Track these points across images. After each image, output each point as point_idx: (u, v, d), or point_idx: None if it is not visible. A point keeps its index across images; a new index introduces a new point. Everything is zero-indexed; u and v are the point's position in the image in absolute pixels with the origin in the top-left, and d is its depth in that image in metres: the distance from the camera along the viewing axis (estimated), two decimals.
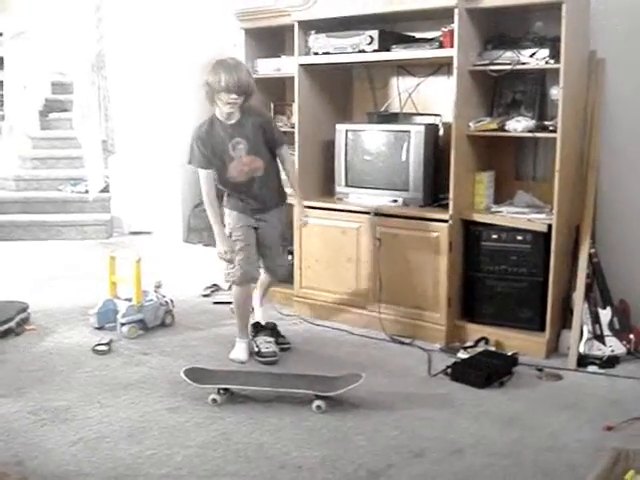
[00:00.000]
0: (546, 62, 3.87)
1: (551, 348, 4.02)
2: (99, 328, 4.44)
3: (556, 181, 3.86)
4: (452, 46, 4.00)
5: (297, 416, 3.28)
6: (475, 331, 4.18)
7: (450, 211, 4.13)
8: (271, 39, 5.10)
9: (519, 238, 4.04)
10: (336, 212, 4.55)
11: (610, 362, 3.85)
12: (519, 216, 4.06)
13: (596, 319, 3.93)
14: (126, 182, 7.28)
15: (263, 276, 4.28)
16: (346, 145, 4.59)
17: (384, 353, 4.13)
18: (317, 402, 3.33)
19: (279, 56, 4.98)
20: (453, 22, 3.96)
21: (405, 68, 4.71)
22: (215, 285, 5.38)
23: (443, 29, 4.07)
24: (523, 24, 4.14)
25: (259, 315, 4.38)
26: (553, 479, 2.79)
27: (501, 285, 4.13)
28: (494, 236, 4.12)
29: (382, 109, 4.83)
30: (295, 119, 4.71)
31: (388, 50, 4.30)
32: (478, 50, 4.11)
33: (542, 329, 4.01)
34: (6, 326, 4.30)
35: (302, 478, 2.79)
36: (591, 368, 3.83)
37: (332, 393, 3.35)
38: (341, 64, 4.58)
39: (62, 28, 8.29)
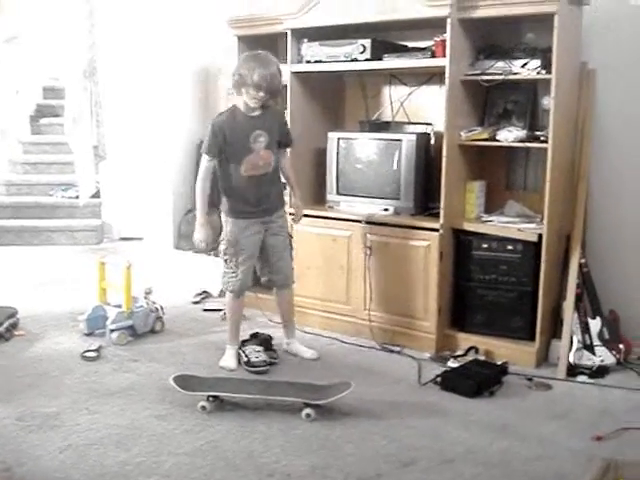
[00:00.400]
0: (537, 72, 3.89)
1: (541, 358, 4.03)
2: (88, 334, 4.42)
3: (547, 191, 3.87)
4: (444, 56, 4.01)
5: (286, 424, 3.27)
6: (465, 340, 4.18)
7: (441, 220, 4.14)
8: (264, 47, 5.08)
9: (509, 247, 4.05)
10: (327, 220, 4.55)
11: (600, 372, 3.86)
12: (510, 225, 4.07)
13: (586, 329, 3.94)
14: (117, 188, 7.27)
15: (276, 298, 4.22)
16: (338, 153, 4.59)
17: (374, 361, 4.13)
18: (306, 410, 3.32)
19: None
20: (445, 32, 3.97)
21: (397, 77, 4.72)
22: (205, 292, 5.37)
23: (435, 39, 4.09)
24: (515, 35, 4.16)
25: (302, 349, 4.18)
26: None
27: (491, 294, 4.13)
28: (484, 245, 4.12)
29: (374, 118, 4.84)
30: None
31: (380, 59, 4.31)
32: (470, 60, 4.13)
33: (532, 339, 4.02)
34: None
35: None
36: (581, 378, 3.84)
37: (322, 401, 3.34)
38: (333, 72, 4.60)
39: (55, 33, 8.30)
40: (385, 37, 4.46)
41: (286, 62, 4.60)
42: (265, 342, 4.09)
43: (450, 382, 3.68)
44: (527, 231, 3.98)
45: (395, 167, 4.37)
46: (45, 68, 8.90)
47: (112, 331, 4.30)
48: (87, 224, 7.23)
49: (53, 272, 6.03)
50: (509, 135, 4.01)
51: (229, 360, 3.98)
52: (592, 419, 3.37)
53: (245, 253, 3.93)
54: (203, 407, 3.39)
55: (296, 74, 4.63)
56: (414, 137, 4.33)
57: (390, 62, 4.31)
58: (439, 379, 3.73)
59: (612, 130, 4.24)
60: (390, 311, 4.36)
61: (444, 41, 4.01)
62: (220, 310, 4.87)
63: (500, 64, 3.99)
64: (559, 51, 3.75)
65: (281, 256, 4.06)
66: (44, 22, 8.63)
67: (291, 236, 4.15)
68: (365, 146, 4.58)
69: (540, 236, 3.91)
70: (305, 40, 4.54)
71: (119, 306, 4.41)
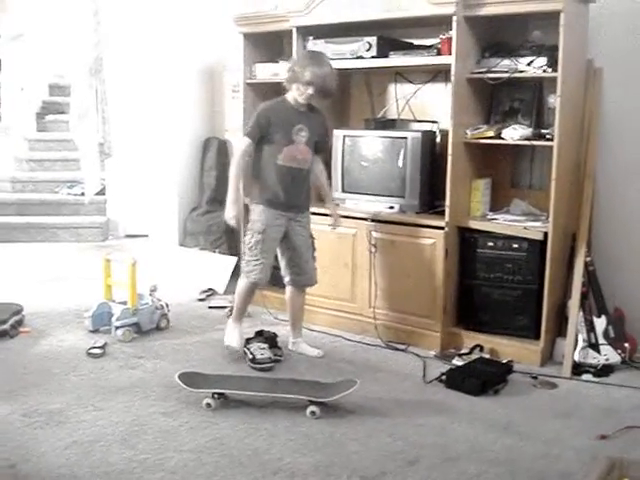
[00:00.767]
0: (543, 70, 3.88)
1: (546, 356, 4.02)
2: (94, 331, 4.43)
3: (552, 189, 3.87)
4: (450, 53, 4.01)
5: (291, 421, 3.28)
6: (470, 338, 4.18)
7: (446, 218, 4.14)
8: (270, 44, 5.11)
9: (515, 246, 4.05)
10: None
11: (605, 371, 3.86)
12: (515, 224, 4.06)
13: (591, 327, 3.94)
14: (122, 185, 7.26)
15: (289, 296, 4.23)
16: (343, 151, 4.59)
17: (379, 359, 4.13)
18: (311, 408, 3.32)
19: (277, 61, 4.99)
20: (451, 29, 3.97)
21: (403, 75, 4.72)
22: (210, 289, 5.37)
23: (441, 36, 4.09)
24: (521, 32, 4.15)
25: (308, 349, 4.20)
26: None
27: (496, 292, 4.13)
28: (490, 243, 4.12)
29: (379, 115, 4.84)
30: None
31: (386, 57, 4.31)
32: (476, 58, 4.12)
33: (537, 337, 4.02)
34: (0, 328, 4.28)
35: None
36: (586, 376, 3.83)
37: (327, 399, 3.35)
38: (339, 70, 4.57)
39: (60, 31, 8.30)
40: (391, 35, 4.46)
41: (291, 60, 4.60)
42: (270, 340, 4.09)
43: (455, 380, 3.68)
44: (533, 229, 3.97)
45: (400, 165, 4.37)
46: (51, 65, 8.89)
47: (117, 328, 4.31)
48: (92, 221, 7.23)
49: (58, 269, 6.04)
50: (515, 133, 4.01)
51: (233, 338, 4.07)
52: (597, 418, 3.36)
53: (269, 243, 3.95)
54: (208, 404, 3.39)
55: None
56: (420, 135, 4.32)
57: (396, 60, 4.31)
58: (444, 377, 3.73)
59: (618, 128, 4.23)
60: (395, 309, 4.37)
61: (450, 39, 4.01)
62: (225, 307, 4.87)
63: (506, 62, 3.98)
64: (565, 49, 3.74)
65: (306, 257, 4.09)
66: (50, 19, 8.63)
67: (313, 237, 4.15)
68: (370, 144, 4.58)
69: (546, 234, 3.91)
70: (311, 37, 4.54)
71: (124, 303, 4.42)
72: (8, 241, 6.96)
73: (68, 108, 7.94)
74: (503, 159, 4.38)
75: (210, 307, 5.09)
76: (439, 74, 4.48)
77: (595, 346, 3.91)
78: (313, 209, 4.33)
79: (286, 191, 3.94)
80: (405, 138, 4.36)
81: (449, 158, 4.09)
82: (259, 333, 4.15)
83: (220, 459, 2.94)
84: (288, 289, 4.22)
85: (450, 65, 4.01)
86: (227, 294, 5.17)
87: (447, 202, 4.12)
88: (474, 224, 4.18)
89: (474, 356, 4.00)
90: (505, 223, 4.11)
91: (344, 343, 4.39)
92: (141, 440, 3.09)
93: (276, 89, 5.01)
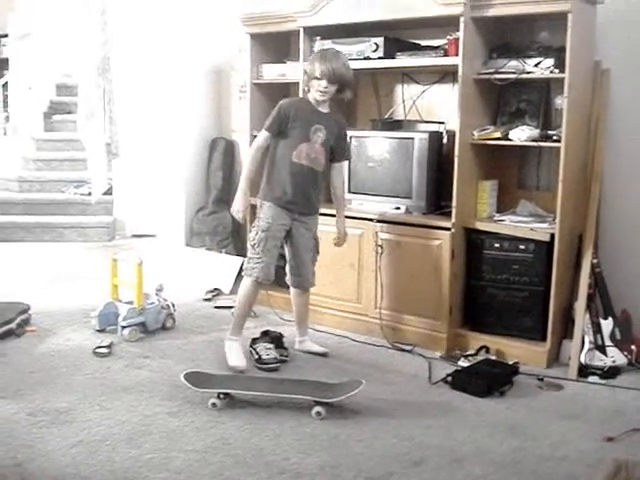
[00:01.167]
0: (551, 72, 3.87)
1: (552, 358, 4.01)
2: (100, 330, 4.44)
3: (559, 190, 3.86)
4: (457, 54, 4.01)
5: (297, 422, 3.28)
6: (476, 339, 4.17)
7: (453, 219, 4.13)
8: (276, 44, 5.11)
9: (521, 247, 4.04)
10: None
11: (611, 373, 3.84)
12: (522, 225, 4.06)
13: (598, 329, 3.93)
14: (129, 185, 7.28)
15: (292, 296, 4.23)
16: (350, 151, 4.58)
17: (385, 360, 4.12)
18: (317, 408, 3.32)
19: (284, 62, 4.99)
20: (458, 30, 3.97)
21: (410, 75, 4.72)
22: (216, 289, 5.38)
23: (448, 37, 4.08)
24: (528, 33, 4.15)
25: (314, 346, 4.23)
26: None
27: (503, 294, 4.12)
28: (496, 245, 4.11)
29: (386, 116, 4.84)
30: None
31: (393, 57, 4.31)
32: (483, 59, 4.11)
33: (543, 339, 4.01)
34: (7, 327, 4.29)
35: None
36: (592, 378, 3.82)
37: (332, 399, 3.34)
38: None
39: (68, 30, 8.33)
40: (398, 35, 4.46)
41: (298, 60, 4.61)
42: (276, 340, 4.09)
43: (461, 381, 3.67)
44: (539, 231, 3.96)
45: (407, 166, 4.37)
46: (58, 65, 8.92)
47: (124, 328, 4.32)
48: (99, 221, 7.25)
49: (65, 269, 6.05)
50: (522, 134, 4.00)
51: (236, 359, 3.92)
52: (603, 420, 3.35)
53: (273, 241, 3.93)
54: (214, 404, 3.39)
55: None
56: (426, 136, 4.32)
57: (403, 60, 4.31)
58: (450, 378, 3.72)
59: (626, 129, 4.22)
60: (401, 310, 4.36)
61: (457, 39, 4.00)
62: (231, 307, 4.87)
63: (513, 63, 3.97)
64: (573, 50, 3.73)
65: (304, 258, 4.06)
66: (57, 19, 8.66)
67: (318, 240, 4.13)
68: (377, 144, 4.58)
69: (552, 236, 3.90)
70: (318, 38, 4.54)
71: (131, 302, 4.43)
72: (15, 240, 6.99)
73: (75, 108, 7.97)
74: (510, 160, 4.37)
75: (216, 307, 5.09)
76: (446, 75, 4.48)
77: (601, 348, 3.90)
78: (321, 209, 4.33)
79: (295, 190, 3.92)
80: (412, 139, 4.35)
81: (456, 159, 4.08)
82: (265, 333, 4.15)
83: (225, 459, 2.95)
84: (290, 289, 4.23)
85: (457, 66, 4.00)
86: (233, 294, 5.17)
87: (454, 203, 4.12)
88: (481, 225, 4.17)
89: (480, 357, 3.99)
90: (512, 224, 4.10)
91: (350, 344, 4.39)
92: (147, 440, 3.09)
93: (283, 89, 5.06)
